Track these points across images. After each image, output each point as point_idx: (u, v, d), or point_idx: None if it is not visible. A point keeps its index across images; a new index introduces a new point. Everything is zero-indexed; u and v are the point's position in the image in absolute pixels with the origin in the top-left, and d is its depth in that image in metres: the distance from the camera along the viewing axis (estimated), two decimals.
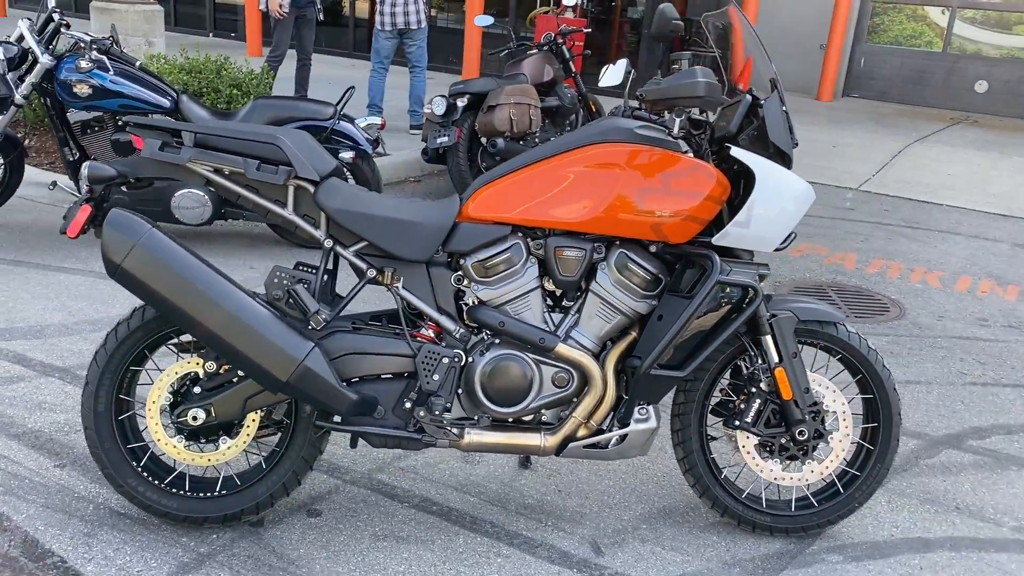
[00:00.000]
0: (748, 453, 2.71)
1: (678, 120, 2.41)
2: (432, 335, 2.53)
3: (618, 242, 2.50)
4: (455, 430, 2.50)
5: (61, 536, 2.46)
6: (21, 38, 4.33)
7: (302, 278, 2.42)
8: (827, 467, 2.72)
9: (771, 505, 2.76)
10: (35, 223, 4.99)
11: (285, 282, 2.40)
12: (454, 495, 2.83)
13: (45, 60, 4.23)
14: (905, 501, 3.01)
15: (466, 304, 2.53)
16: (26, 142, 5.67)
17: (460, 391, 2.51)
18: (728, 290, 2.44)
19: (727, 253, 2.52)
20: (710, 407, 2.73)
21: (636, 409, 2.54)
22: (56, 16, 4.38)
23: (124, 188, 4.37)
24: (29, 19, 4.40)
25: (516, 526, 2.70)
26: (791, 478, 2.72)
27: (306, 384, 2.34)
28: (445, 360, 2.47)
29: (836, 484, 2.77)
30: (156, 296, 2.29)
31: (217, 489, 2.53)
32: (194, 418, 2.41)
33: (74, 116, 4.44)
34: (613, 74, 3.11)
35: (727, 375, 2.75)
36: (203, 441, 2.51)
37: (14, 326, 3.71)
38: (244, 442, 2.51)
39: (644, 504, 2.88)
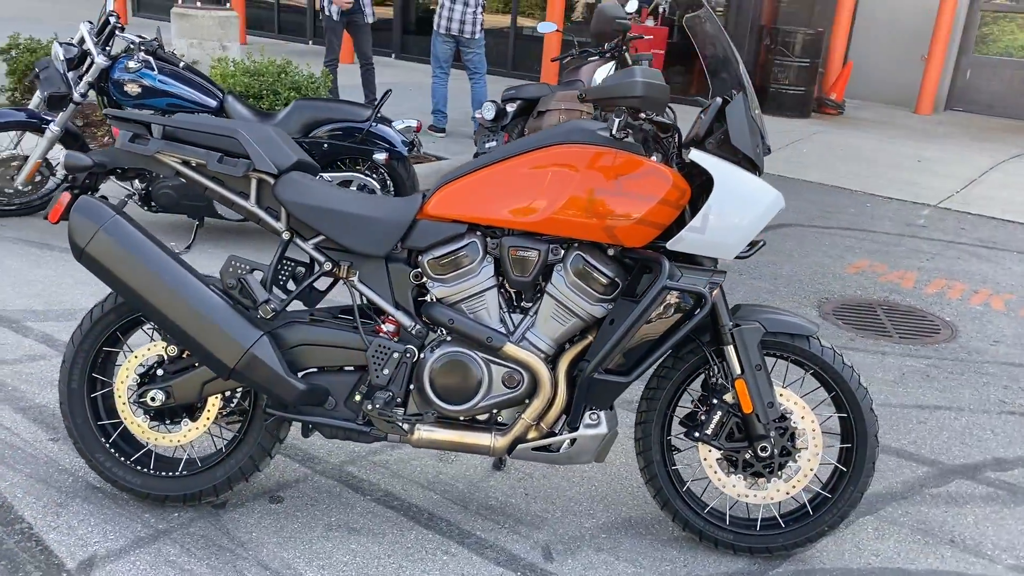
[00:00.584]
0: (711, 467, 2.62)
1: (617, 120, 2.37)
2: (393, 330, 2.56)
3: (576, 244, 2.47)
4: (405, 425, 2.52)
5: (35, 504, 2.61)
6: (83, 40, 4.61)
7: (255, 268, 2.50)
8: (794, 486, 2.60)
9: (735, 522, 2.66)
10: None
11: (239, 271, 2.48)
12: (418, 491, 2.85)
13: (100, 60, 4.50)
14: (895, 530, 2.85)
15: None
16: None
17: (412, 387, 2.53)
18: (677, 296, 2.38)
19: (689, 260, 2.46)
20: (675, 417, 2.67)
21: (588, 414, 2.50)
22: (112, 19, 4.64)
23: (170, 183, 4.59)
24: (90, 22, 4.68)
25: (471, 526, 2.69)
26: (755, 495, 2.62)
27: (253, 372, 2.40)
28: (395, 355, 2.49)
29: (806, 506, 2.66)
30: (116, 280, 2.41)
31: (179, 469, 2.63)
32: (152, 399, 2.51)
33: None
34: (599, 75, 3.07)
35: (699, 386, 2.68)
36: (168, 422, 2.61)
37: (50, 308, 3.95)
38: (204, 425, 2.59)
39: (610, 513, 2.82)
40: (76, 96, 4.55)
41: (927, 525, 2.89)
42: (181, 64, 4.75)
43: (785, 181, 7.85)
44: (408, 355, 2.50)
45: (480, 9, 7.43)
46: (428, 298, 2.55)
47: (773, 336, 2.54)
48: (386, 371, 2.49)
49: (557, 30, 7.17)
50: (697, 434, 2.58)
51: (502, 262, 2.48)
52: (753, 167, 2.47)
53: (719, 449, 2.58)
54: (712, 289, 2.40)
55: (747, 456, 2.57)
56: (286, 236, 2.53)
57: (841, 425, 2.62)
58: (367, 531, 2.63)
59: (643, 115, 2.45)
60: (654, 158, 2.49)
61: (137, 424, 2.59)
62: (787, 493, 2.61)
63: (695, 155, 2.43)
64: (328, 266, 2.52)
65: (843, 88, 10.85)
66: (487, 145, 6.00)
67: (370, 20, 7.63)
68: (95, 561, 2.40)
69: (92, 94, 4.66)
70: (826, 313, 4.78)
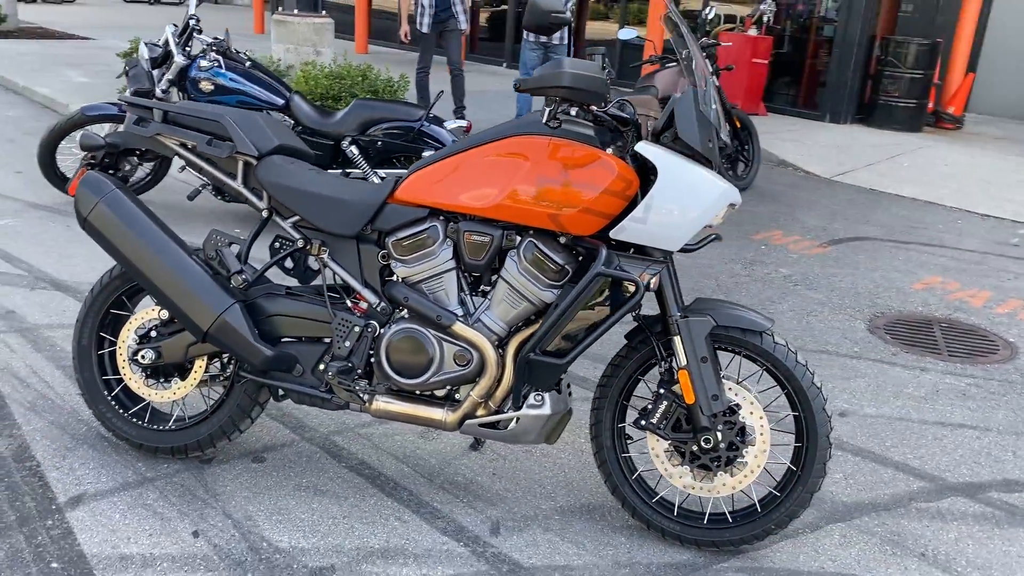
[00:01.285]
0: (658, 457, 2.65)
1: (547, 109, 2.45)
2: (364, 307, 2.73)
3: (531, 232, 2.56)
4: (364, 395, 2.68)
5: (48, 447, 2.93)
6: (167, 41, 5.05)
7: (232, 241, 2.72)
8: (740, 481, 2.60)
9: (683, 514, 2.68)
10: (181, 202, 5.75)
11: (218, 244, 2.71)
12: (391, 463, 3.00)
13: (179, 59, 4.91)
14: (863, 538, 2.78)
15: None
16: None
17: (373, 360, 2.69)
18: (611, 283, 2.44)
19: (641, 250, 2.52)
20: (628, 405, 2.71)
21: (533, 395, 2.59)
22: (192, 22, 5.06)
23: None
24: (175, 24, 5.12)
25: (431, 497, 2.82)
26: (701, 488, 2.63)
27: (224, 336, 2.63)
28: (356, 329, 2.66)
29: (755, 503, 2.64)
30: (112, 247, 2.68)
31: (170, 424, 2.89)
32: (143, 357, 2.78)
33: None
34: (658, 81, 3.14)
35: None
36: (162, 379, 2.87)
37: None
38: (192, 384, 2.84)
39: (570, 497, 2.89)
40: (158, 92, 4.98)
41: (900, 537, 2.80)
42: (247, 63, 5.11)
43: (874, 194, 7.59)
44: (370, 330, 2.66)
45: (569, 15, 7.53)
46: (394, 278, 2.70)
47: (725, 330, 2.55)
48: (347, 343, 2.66)
49: (638, 37, 7.21)
50: (644, 423, 2.62)
51: (457, 245, 2.61)
52: (708, 161, 2.50)
53: (665, 439, 2.61)
54: (653, 277, 2.45)
55: (694, 448, 2.59)
56: (265, 214, 2.74)
57: (795, 424, 2.61)
58: (331, 494, 2.80)
59: (593, 107, 2.53)
60: (610, 151, 2.55)
61: (134, 380, 2.87)
62: (733, 488, 2.61)
63: (640, 147, 2.49)
64: (301, 243, 2.72)
65: (963, 101, 10.33)
66: None
67: (463, 28, 7.89)
68: (82, 498, 2.67)
69: (175, 91, 5.08)
70: (876, 327, 4.64)
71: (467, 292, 2.66)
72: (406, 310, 2.65)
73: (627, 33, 7.12)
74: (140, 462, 2.88)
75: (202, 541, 2.53)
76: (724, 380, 2.60)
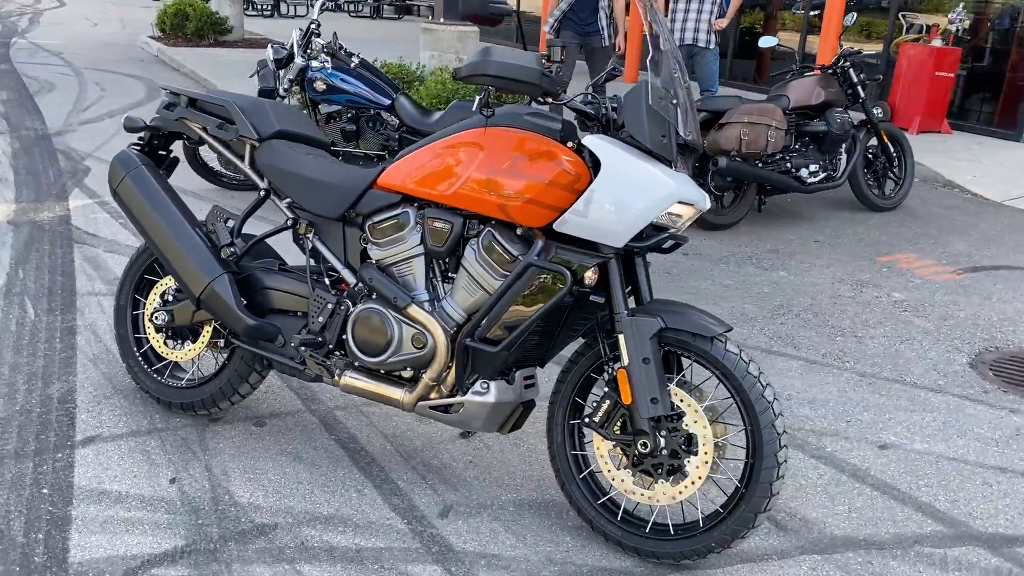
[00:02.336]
0: (602, 457, 2.59)
1: (478, 98, 2.46)
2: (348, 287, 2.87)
3: (493, 222, 2.60)
4: (336, 370, 2.82)
5: (90, 394, 3.30)
6: (293, 45, 5.48)
7: (230, 217, 2.95)
8: (680, 492, 2.49)
9: (626, 520, 2.60)
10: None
11: (217, 219, 2.95)
12: (378, 440, 3.12)
13: (298, 60, 5.32)
14: (836, 572, 2.57)
15: None
16: None
17: (344, 337, 2.82)
18: (547, 274, 2.43)
19: (591, 245, 2.49)
20: (583, 402, 2.67)
21: (479, 383, 2.61)
22: (314, 26, 5.45)
23: None
24: (300, 29, 5.53)
25: (398, 475, 2.91)
26: (640, 494, 2.54)
27: (213, 303, 2.86)
28: (329, 306, 2.80)
29: (699, 518, 2.51)
30: (132, 217, 3.00)
31: (182, 382, 3.17)
32: (157, 318, 3.08)
33: (325, 108, 5.48)
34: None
35: None
36: (177, 341, 3.16)
37: None
38: (200, 347, 3.10)
39: (535, 492, 2.87)
40: (281, 90, 5.42)
41: None
42: (353, 64, 5.43)
43: None
44: (342, 307, 2.79)
45: (713, 16, 7.27)
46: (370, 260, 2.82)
47: (675, 333, 2.46)
48: (321, 319, 2.81)
49: (778, 45, 6.91)
50: (587, 420, 2.57)
51: (422, 231, 2.69)
52: (664, 158, 2.44)
53: (607, 439, 2.55)
54: (587, 271, 2.41)
55: (636, 452, 2.51)
56: (263, 194, 2.95)
57: (745, 438, 2.46)
58: (308, 462, 2.96)
59: (549, 100, 2.52)
60: (571, 144, 2.53)
61: (156, 340, 3.17)
62: (673, 498, 2.50)
63: (587, 139, 2.46)
64: (290, 223, 2.91)
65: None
66: None
67: (607, 44, 7.81)
68: (95, 439, 3.00)
69: (296, 90, 5.50)
70: (980, 362, 4.20)
71: (437, 278, 2.73)
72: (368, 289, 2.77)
73: (767, 41, 6.87)
74: (158, 414, 3.19)
75: (175, 488, 2.76)
76: (683, 386, 2.50)
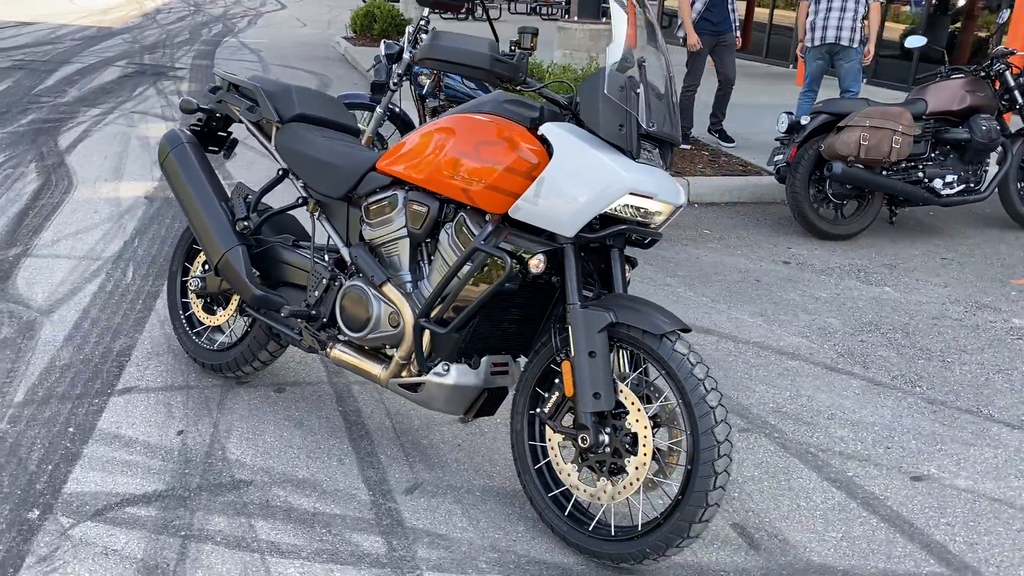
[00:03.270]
0: (553, 449, 2.56)
1: (427, 82, 2.47)
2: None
3: (468, 208, 2.63)
4: (329, 343, 2.95)
5: (146, 350, 3.62)
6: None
7: (247, 194, 3.15)
8: (619, 492, 2.41)
9: (573, 515, 2.54)
10: None
11: (238, 195, 3.16)
12: (379, 416, 3.22)
13: (406, 56, 5.52)
14: None
15: None
16: None
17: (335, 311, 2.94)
18: (492, 259, 2.43)
19: (549, 234, 2.47)
20: (544, 392, 2.64)
21: (441, 364, 2.65)
22: (423, 23, 5.63)
23: None
24: (409, 29, 5.74)
25: (383, 450, 3.00)
26: (583, 491, 2.48)
27: (226, 271, 3.07)
28: (324, 281, 2.94)
29: (639, 523, 2.42)
30: (173, 189, 3.27)
31: (215, 345, 3.42)
32: (193, 284, 3.34)
33: (430, 103, 5.67)
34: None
35: None
36: (213, 307, 3.42)
37: None
38: (229, 313, 3.33)
39: (509, 481, 2.86)
40: (391, 84, 5.65)
41: None
42: None
43: None
44: (334, 282, 2.92)
45: (859, 16, 6.82)
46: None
47: (626, 329, 2.39)
48: (316, 293, 2.95)
49: (928, 45, 6.40)
50: (539, 411, 2.54)
51: (405, 214, 2.76)
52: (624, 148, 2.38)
53: (556, 432, 2.51)
54: (532, 258, 2.39)
55: (578, 446, 2.46)
56: (280, 173, 3.14)
57: (687, 444, 2.35)
58: (307, 428, 3.12)
59: (517, 87, 2.51)
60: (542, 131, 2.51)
61: (196, 304, 3.44)
62: (612, 498, 2.43)
63: (544, 127, 2.43)
64: (301, 202, 3.07)
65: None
66: (774, 158, 5.77)
67: (739, 42, 7.56)
68: (132, 390, 3.31)
69: (406, 84, 5.71)
70: None
71: (424, 260, 2.79)
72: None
73: (915, 41, 6.38)
74: (194, 374, 3.46)
75: (179, 439, 3.00)
76: (640, 386, 2.43)
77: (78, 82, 10.00)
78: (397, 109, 5.74)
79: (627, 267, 2.70)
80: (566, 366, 2.43)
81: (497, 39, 2.78)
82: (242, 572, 2.38)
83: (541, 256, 2.42)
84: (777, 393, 3.61)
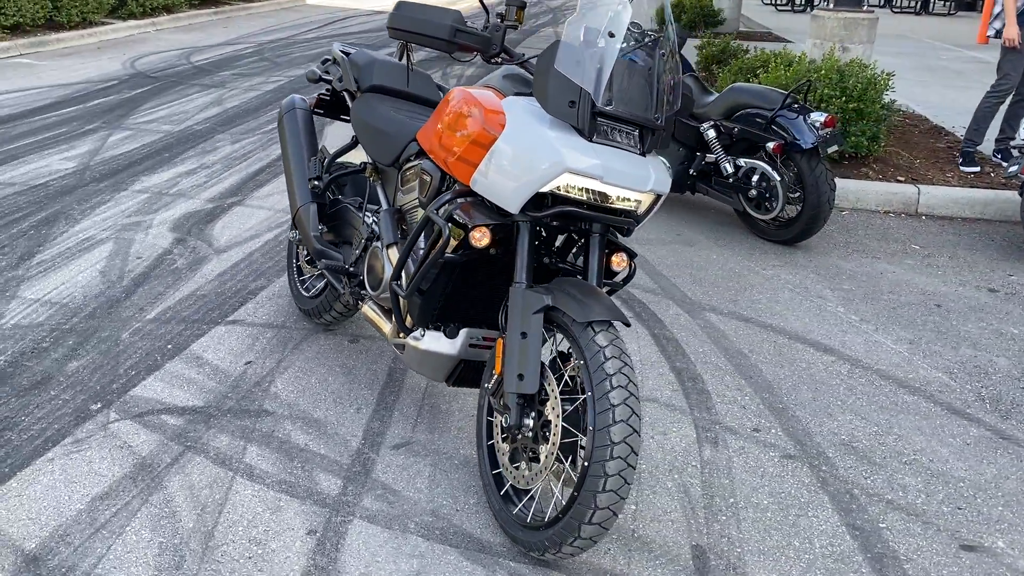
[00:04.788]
0: (497, 426, 2.53)
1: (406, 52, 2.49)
2: None
3: (456, 180, 2.67)
4: (360, 300, 3.14)
5: (274, 292, 4.08)
6: None
7: (322, 159, 3.41)
8: (533, 478, 2.33)
9: (507, 495, 2.50)
10: None
11: (319, 157, 3.43)
12: (419, 378, 3.35)
13: None
14: None
15: None
16: None
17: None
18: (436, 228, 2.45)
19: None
20: None
21: (419, 329, 2.72)
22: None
23: None
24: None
25: (399, 407, 3.14)
26: (508, 470, 2.43)
27: (299, 225, 3.37)
28: (364, 242, 3.13)
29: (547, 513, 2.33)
30: (281, 148, 3.64)
31: (309, 294, 3.76)
32: (292, 235, 3.69)
33: None
34: None
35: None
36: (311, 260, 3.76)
37: None
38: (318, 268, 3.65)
39: None
40: None
41: None
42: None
43: None
44: (370, 243, 3.10)
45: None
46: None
47: (560, 314, 2.31)
48: (358, 252, 3.15)
49: None
50: (484, 386, 2.53)
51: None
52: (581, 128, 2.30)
53: (494, 408, 2.48)
54: (474, 229, 2.38)
55: (501, 425, 2.42)
56: (352, 139, 3.36)
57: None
58: (350, 377, 3.34)
59: (496, 59, 2.49)
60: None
61: (302, 255, 3.81)
62: (528, 483, 2.36)
63: (504, 101, 2.40)
64: (361, 166, 3.27)
65: None
66: (1009, 169, 4.96)
67: None
68: (239, 322, 3.75)
69: None
70: None
71: None
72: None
73: None
74: (294, 317, 3.83)
75: (243, 368, 3.37)
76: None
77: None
78: None
79: (624, 256, 2.58)
80: (499, 344, 2.40)
81: (487, 11, 2.74)
82: (208, 485, 2.67)
83: (485, 230, 2.40)
84: (860, 426, 3.18)
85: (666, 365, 3.55)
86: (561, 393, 2.31)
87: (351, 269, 3.16)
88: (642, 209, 2.42)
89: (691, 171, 5.15)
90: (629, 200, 2.34)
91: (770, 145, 4.65)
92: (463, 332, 2.70)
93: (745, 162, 4.86)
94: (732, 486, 2.79)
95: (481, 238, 2.41)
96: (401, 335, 2.85)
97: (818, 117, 4.60)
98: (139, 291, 4.00)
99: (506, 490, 2.50)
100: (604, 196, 2.31)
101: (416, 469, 2.80)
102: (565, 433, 2.28)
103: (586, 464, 2.17)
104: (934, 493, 2.82)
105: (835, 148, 4.68)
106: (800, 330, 3.95)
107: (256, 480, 2.70)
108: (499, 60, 2.53)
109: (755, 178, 4.82)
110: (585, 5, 2.39)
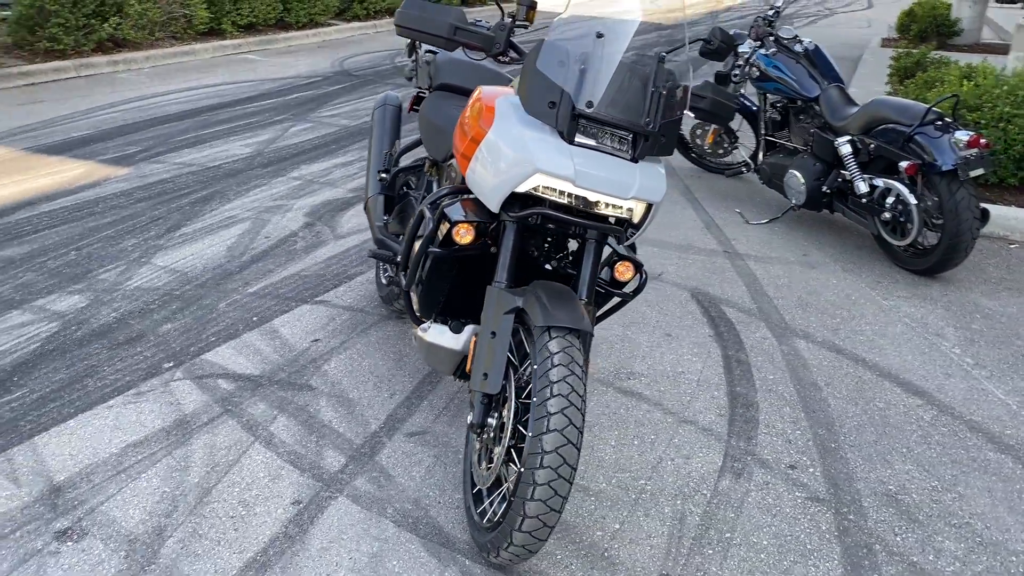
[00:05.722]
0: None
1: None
2: None
3: None
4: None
5: (365, 279, 4.28)
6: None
7: (395, 153, 3.53)
8: (487, 480, 2.31)
9: (479, 493, 2.48)
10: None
11: (390, 153, 3.56)
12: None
13: (744, 46, 5.25)
14: None
15: None
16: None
17: None
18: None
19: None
20: None
21: (428, 321, 2.77)
22: (771, 12, 5.22)
23: (771, 160, 5.14)
24: (761, 17, 5.38)
25: (431, 397, 3.20)
26: (476, 469, 2.42)
27: (367, 214, 3.53)
28: (409, 233, 3.22)
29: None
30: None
31: (386, 281, 3.91)
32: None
33: (771, 98, 5.33)
34: None
35: None
36: None
37: None
38: None
39: None
40: (733, 76, 5.43)
41: None
42: (799, 51, 5.05)
43: None
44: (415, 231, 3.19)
45: None
46: None
47: (528, 317, 2.28)
48: (404, 243, 3.25)
49: None
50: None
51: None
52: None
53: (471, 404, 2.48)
54: (455, 226, 2.40)
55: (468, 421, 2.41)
56: (418, 137, 3.46)
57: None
58: (402, 364, 3.44)
59: (503, 57, 2.48)
60: None
61: None
62: (486, 483, 2.35)
63: (497, 99, 2.38)
64: (421, 161, 3.37)
65: None
66: None
67: None
68: (322, 303, 3.98)
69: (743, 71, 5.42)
70: None
71: None
72: None
73: None
74: (375, 303, 4.00)
75: (308, 345, 3.58)
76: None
77: None
78: (746, 102, 5.54)
79: (630, 266, 2.51)
80: (473, 341, 2.40)
81: (502, 10, 2.70)
82: (228, 447, 2.87)
83: (469, 227, 2.41)
84: (918, 478, 2.86)
85: (723, 389, 3.36)
86: (526, 397, 2.27)
87: (398, 260, 3.26)
88: (636, 218, 2.33)
89: (824, 188, 4.80)
90: (619, 208, 2.26)
91: (903, 165, 4.25)
92: (468, 328, 2.71)
93: (881, 182, 4.47)
94: (735, 521, 2.61)
95: (465, 235, 2.42)
96: (415, 326, 2.91)
97: (962, 136, 4.14)
98: (253, 267, 4.34)
99: (478, 489, 2.50)
100: (586, 201, 2.25)
101: (418, 458, 2.85)
102: (522, 437, 2.24)
103: (520, 470, 2.13)
104: (972, 563, 2.48)
105: (979, 172, 4.18)
106: (896, 368, 3.58)
107: (271, 448, 2.87)
108: (507, 58, 2.52)
109: (890, 200, 4.42)
110: (574, 5, 2.33)
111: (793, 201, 4.99)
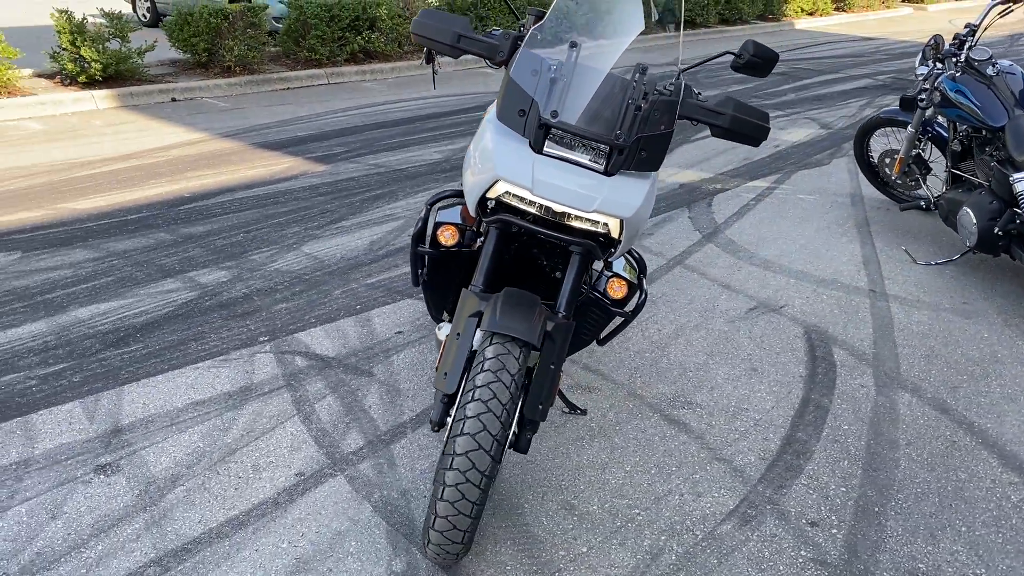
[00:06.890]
0: None
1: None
2: None
3: None
4: None
5: None
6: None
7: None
8: None
9: None
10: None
11: None
12: None
13: (922, 68, 4.73)
14: None
15: None
16: None
17: None
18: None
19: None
20: None
21: (446, 320, 2.84)
22: (965, 31, 4.61)
23: (948, 196, 4.63)
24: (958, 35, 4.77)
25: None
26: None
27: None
28: None
29: None
30: None
31: None
32: None
33: (959, 127, 4.76)
34: None
35: None
36: None
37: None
38: None
39: (515, 460, 2.87)
40: (919, 100, 4.90)
41: None
42: (990, 74, 4.44)
43: None
44: None
45: None
46: None
47: (485, 321, 2.30)
48: None
49: None
50: None
51: None
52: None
53: None
54: (439, 229, 2.46)
55: None
56: None
57: None
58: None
59: (499, 65, 2.50)
60: None
61: None
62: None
63: (490, 107, 2.41)
64: None
65: None
66: None
67: None
68: (391, 291, 4.17)
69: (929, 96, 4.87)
70: None
71: None
72: None
73: None
74: None
75: (391, 336, 3.77)
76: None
77: (815, 88, 10.63)
78: (939, 130, 5.04)
79: (623, 284, 2.45)
80: (446, 340, 2.44)
81: (518, 18, 2.65)
82: (271, 416, 3.12)
83: (453, 229, 2.45)
84: (961, 563, 2.49)
85: (782, 432, 3.11)
86: None
87: None
88: (613, 233, 2.26)
89: (996, 230, 4.23)
90: (589, 221, 2.22)
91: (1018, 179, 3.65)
92: (478, 331, 2.75)
93: None
94: (713, 569, 2.43)
95: (449, 236, 2.47)
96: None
97: None
98: (382, 261, 4.63)
99: None
100: (553, 212, 2.22)
101: (429, 452, 2.92)
102: None
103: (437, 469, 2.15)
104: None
105: None
106: (1007, 438, 3.10)
107: (307, 423, 3.08)
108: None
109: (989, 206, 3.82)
110: (553, 14, 2.30)
111: (967, 243, 4.44)
